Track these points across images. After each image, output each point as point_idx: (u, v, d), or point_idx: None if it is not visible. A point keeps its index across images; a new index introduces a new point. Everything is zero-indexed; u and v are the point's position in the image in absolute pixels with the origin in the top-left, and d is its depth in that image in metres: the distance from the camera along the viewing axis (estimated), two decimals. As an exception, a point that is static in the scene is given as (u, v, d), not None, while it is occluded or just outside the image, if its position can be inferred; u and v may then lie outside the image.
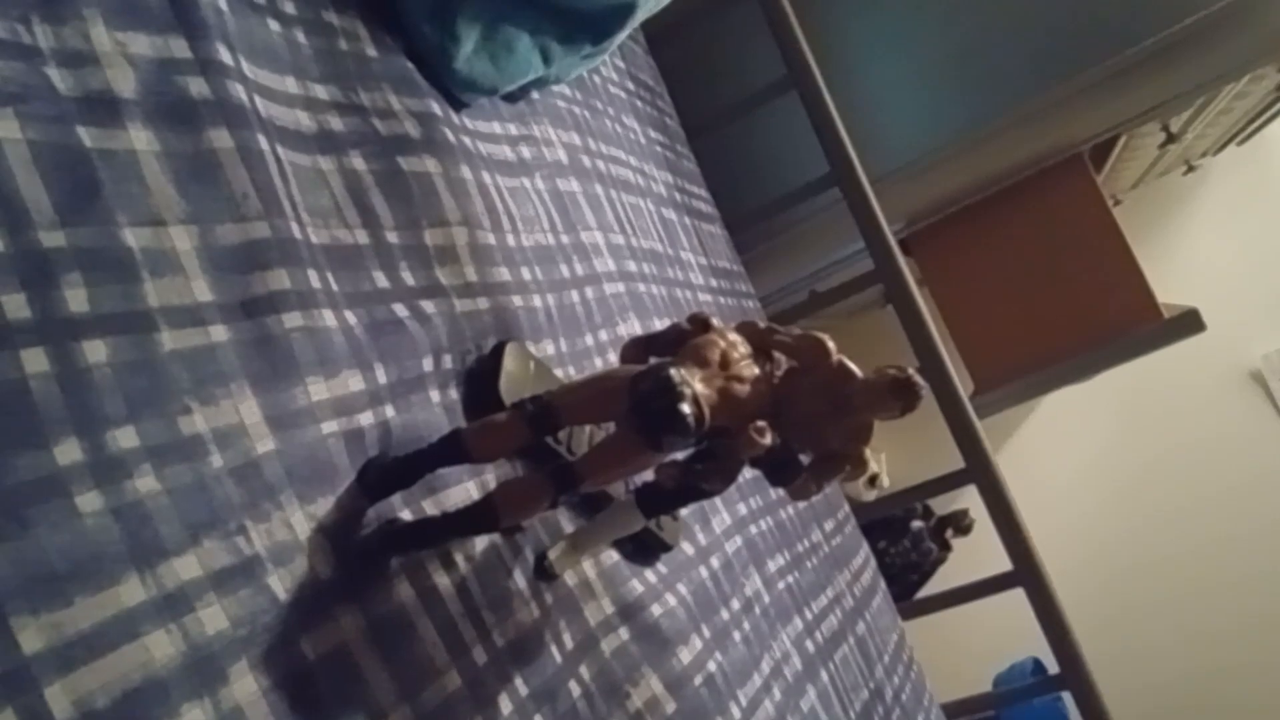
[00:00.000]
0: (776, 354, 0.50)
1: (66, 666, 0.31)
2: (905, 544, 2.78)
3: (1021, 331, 1.82)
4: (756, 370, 0.48)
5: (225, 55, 0.48)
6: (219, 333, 0.42)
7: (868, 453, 0.50)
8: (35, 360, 0.34)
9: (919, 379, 0.46)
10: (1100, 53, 1.34)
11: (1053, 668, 1.33)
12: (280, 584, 0.39)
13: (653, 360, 0.48)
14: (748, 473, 0.51)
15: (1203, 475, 2.78)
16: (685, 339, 0.48)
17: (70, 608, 0.32)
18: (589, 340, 0.74)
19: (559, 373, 0.66)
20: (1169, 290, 2.00)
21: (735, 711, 0.68)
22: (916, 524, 2.80)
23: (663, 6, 0.84)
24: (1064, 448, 2.91)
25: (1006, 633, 1.77)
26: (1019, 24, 1.40)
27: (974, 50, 1.43)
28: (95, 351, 0.36)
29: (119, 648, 0.33)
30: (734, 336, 0.48)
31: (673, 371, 0.43)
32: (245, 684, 0.36)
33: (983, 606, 1.48)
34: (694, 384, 0.43)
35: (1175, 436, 2.82)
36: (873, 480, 2.78)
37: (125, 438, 0.36)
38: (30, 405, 0.33)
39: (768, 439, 0.46)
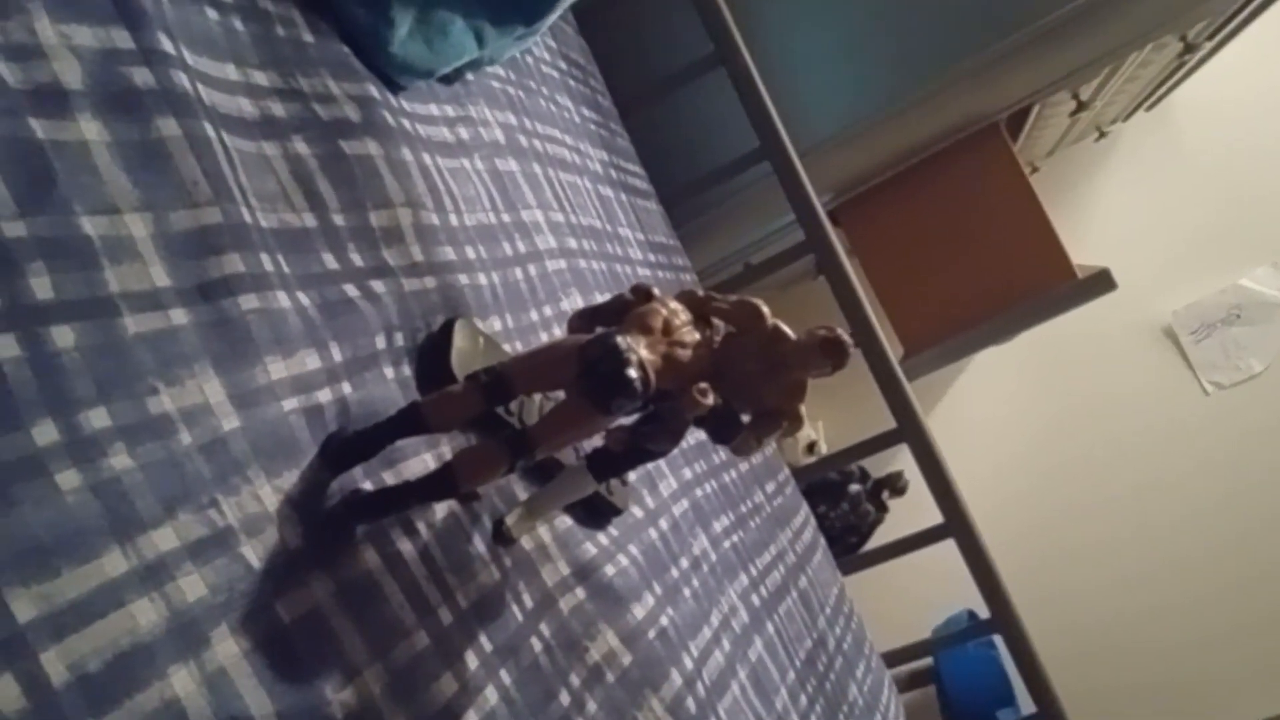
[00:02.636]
0: (715, 320, 0.53)
1: (59, 633, 0.33)
2: (844, 507, 2.86)
3: (946, 296, 1.89)
4: (697, 336, 0.51)
5: (167, 44, 0.49)
6: (179, 316, 0.43)
7: (803, 410, 0.54)
8: (7, 346, 0.35)
9: (846, 337, 0.49)
10: (1010, 24, 1.40)
11: (985, 616, 1.41)
12: (253, 553, 0.41)
13: (599, 330, 0.51)
14: (692, 439, 0.54)
15: (1120, 427, 2.91)
16: (629, 309, 0.51)
17: (58, 579, 0.33)
18: (534, 315, 0.76)
19: (507, 347, 0.68)
20: (1085, 252, 2.09)
21: (688, 662, 0.72)
22: (854, 487, 2.88)
23: (592, -13, 0.85)
24: (992, 406, 3.02)
25: (944, 587, 1.85)
26: (935, -2, 1.45)
27: (893, 23, 1.47)
28: (63, 337, 0.37)
29: (106, 615, 0.34)
30: (675, 305, 0.51)
31: (619, 339, 0.46)
32: (227, 646, 0.38)
33: (921, 564, 1.55)
34: (639, 350, 0.46)
35: (1094, 391, 2.95)
36: (811, 447, 2.86)
37: (98, 418, 0.37)
38: (6, 389, 0.35)
39: (710, 399, 0.49)
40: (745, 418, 0.54)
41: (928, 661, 2.58)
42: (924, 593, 2.35)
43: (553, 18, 0.84)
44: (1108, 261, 1.92)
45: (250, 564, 0.41)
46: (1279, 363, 2.87)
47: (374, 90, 0.66)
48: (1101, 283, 1.85)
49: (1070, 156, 2.91)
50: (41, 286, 0.37)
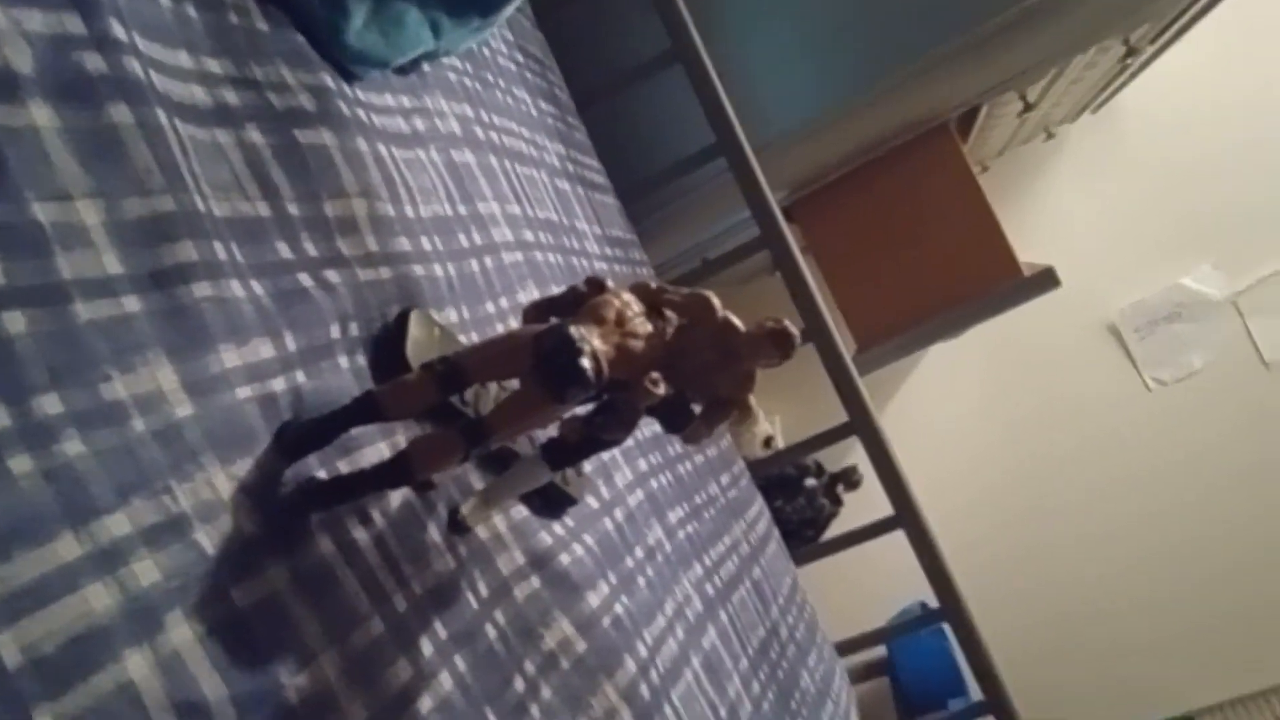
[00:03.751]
0: (667, 311, 0.54)
1: (13, 617, 0.33)
2: (800, 501, 2.90)
3: (897, 292, 1.93)
4: (650, 327, 0.52)
5: (119, 31, 0.49)
6: (131, 303, 0.43)
7: (753, 400, 0.55)
8: (-44, 332, 0.35)
9: (793, 328, 0.51)
10: (959, 25, 1.43)
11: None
12: (208, 539, 0.41)
13: (553, 320, 0.51)
14: (647, 431, 0.55)
15: (1067, 423, 2.99)
16: (583, 300, 0.52)
17: (10, 563, 0.34)
18: (490, 307, 0.77)
19: (462, 338, 0.69)
20: (1033, 250, 2.14)
21: (642, 649, 0.73)
22: (810, 482, 2.93)
23: (549, -19, 0.86)
24: (944, 401, 3.08)
25: (899, 581, 1.88)
26: (887, -2, 1.48)
27: (848, 22, 1.49)
28: (14, 323, 0.37)
29: (61, 599, 0.34)
30: (628, 296, 0.52)
31: (572, 329, 0.47)
32: (181, 631, 0.38)
33: (876, 559, 1.58)
34: (592, 340, 0.47)
35: (1043, 387, 3.03)
36: (768, 442, 2.89)
37: (50, 404, 0.37)
38: (-44, 375, 0.35)
39: (662, 389, 0.51)
40: (696, 408, 0.55)
41: (882, 653, 2.63)
42: (881, 587, 2.40)
43: (509, 10, 0.84)
44: (1055, 260, 1.97)
45: (205, 550, 0.41)
46: (1219, 360, 2.96)
47: (329, 80, 0.66)
48: (1046, 280, 1.90)
49: (1019, 156, 2.97)
50: (-8, 272, 0.37)
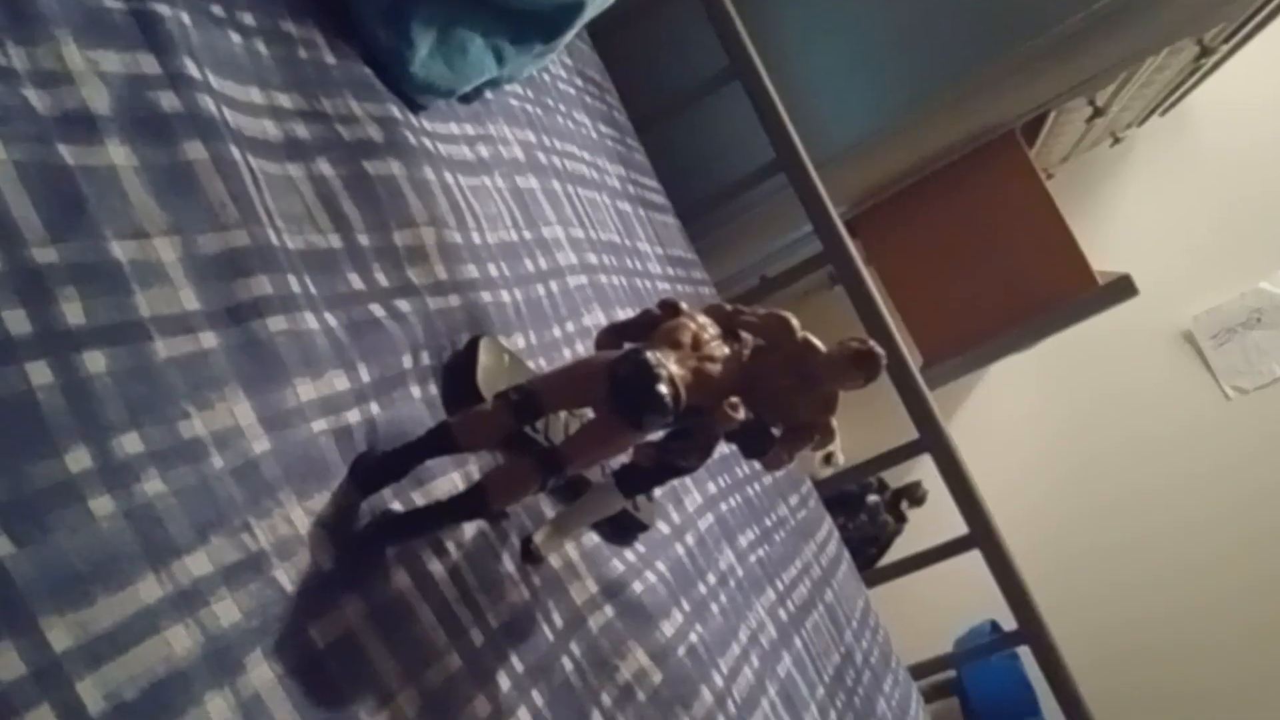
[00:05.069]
0: (743, 333, 0.53)
1: (95, 662, 0.32)
2: (863, 518, 2.85)
3: (965, 305, 1.88)
4: (726, 350, 0.50)
5: (192, 69, 0.49)
6: (209, 339, 0.43)
7: (834, 423, 0.53)
8: (40, 373, 0.35)
9: (879, 349, 0.49)
10: (1026, 33, 1.39)
11: (1008, 625, 1.39)
12: (286, 576, 0.41)
13: (628, 346, 0.50)
14: (715, 453, 0.54)
15: (1142, 432, 2.89)
16: (657, 324, 0.51)
17: (93, 606, 0.33)
18: (557, 332, 0.76)
19: (531, 364, 0.68)
20: (1103, 258, 2.08)
21: (718, 679, 0.71)
22: (873, 498, 2.87)
23: (609, 4, 0.86)
24: (1011, 414, 3.00)
25: (965, 597, 1.83)
26: (949, 7, 1.45)
27: (907, 34, 1.47)
28: (95, 362, 0.37)
29: (142, 642, 0.34)
30: (703, 319, 0.51)
31: (649, 354, 0.45)
32: (261, 672, 0.38)
33: (941, 574, 1.53)
34: (669, 365, 0.46)
35: (1115, 397, 2.93)
36: (828, 459, 2.84)
37: (130, 443, 0.37)
38: (39, 416, 0.34)
39: (741, 414, 0.49)
40: (775, 431, 0.53)
41: (951, 674, 2.56)
42: (944, 602, 2.33)
43: (570, 35, 0.84)
44: (1126, 267, 1.90)
45: (283, 587, 0.40)
46: (1301, 366, 2.84)
47: (395, 110, 0.67)
48: (1123, 289, 1.83)
49: (1085, 162, 2.90)
50: (73, 311, 0.37)
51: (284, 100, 0.58)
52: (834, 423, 0.52)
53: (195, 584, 0.37)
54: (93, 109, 0.43)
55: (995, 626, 2.36)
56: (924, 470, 1.43)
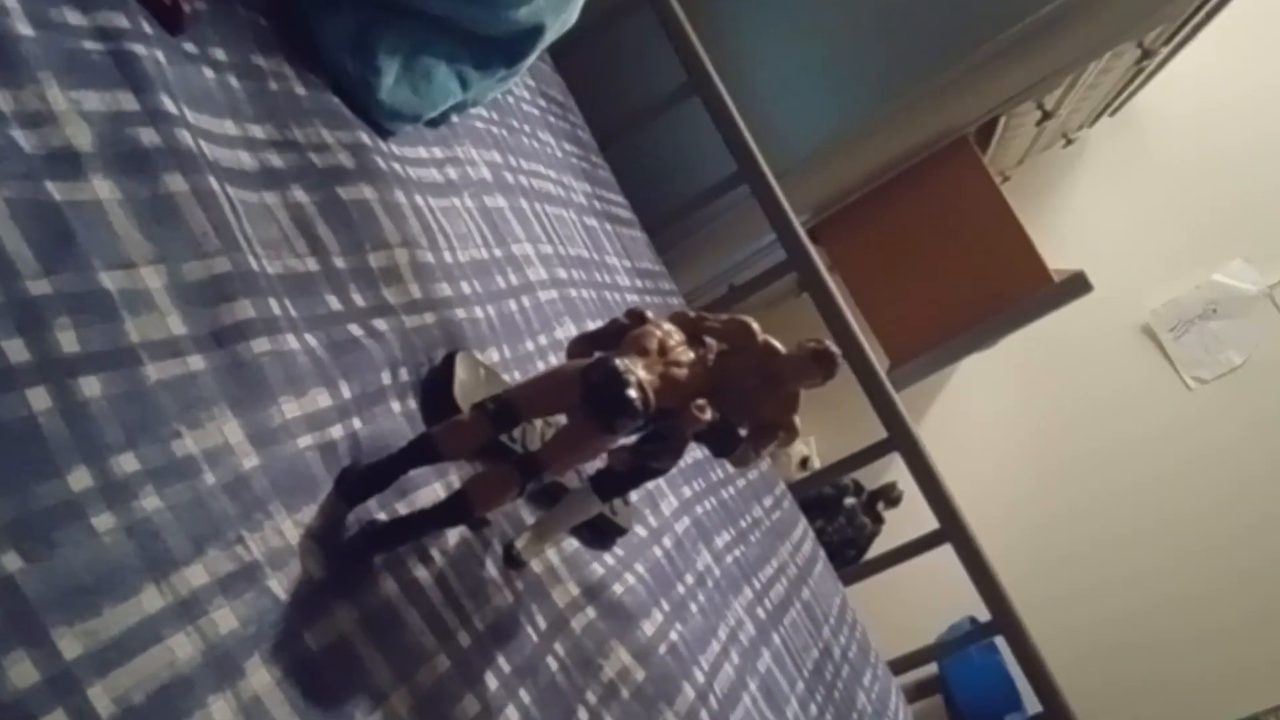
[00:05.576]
0: (708, 339, 0.55)
1: (104, 669, 0.34)
2: (841, 521, 2.88)
3: (927, 306, 1.93)
4: (692, 355, 0.53)
5: (170, 105, 0.51)
6: (196, 362, 0.45)
7: (797, 421, 0.56)
8: (39, 398, 0.37)
9: (835, 348, 0.52)
10: (975, 39, 1.44)
11: (985, 620, 1.42)
12: (279, 586, 0.43)
13: (597, 354, 0.53)
14: (689, 457, 0.56)
15: (1108, 426, 2.95)
16: (624, 332, 0.53)
17: (100, 617, 0.35)
18: (529, 345, 0.78)
19: (506, 377, 0.70)
20: (1061, 256, 2.13)
21: (699, 675, 0.73)
22: (849, 501, 2.90)
23: (569, 27, 0.88)
24: (979, 412, 3.05)
25: (946, 596, 1.86)
26: (899, 17, 1.49)
27: (860, 44, 1.51)
28: (90, 387, 0.39)
29: (147, 649, 0.36)
30: (668, 326, 0.53)
31: (617, 361, 0.48)
32: (260, 676, 0.40)
33: (920, 575, 1.56)
34: (637, 371, 0.48)
35: (1080, 392, 2.99)
36: (804, 462, 2.88)
37: (127, 463, 0.39)
38: (41, 439, 0.36)
39: (708, 415, 0.52)
40: (742, 431, 0.56)
41: (934, 671, 2.59)
42: (926, 603, 2.37)
43: (532, 59, 0.86)
44: (1083, 264, 1.96)
45: (277, 596, 0.42)
46: (1258, 353, 2.92)
47: (365, 137, 0.69)
48: (1078, 285, 1.89)
49: (1040, 164, 2.97)
50: (68, 340, 0.39)
51: (257, 131, 0.60)
52: (797, 420, 0.55)
53: (194, 594, 0.39)
54: (76, 146, 0.45)
55: (974, 621, 2.40)
56: (899, 471, 1.47)
